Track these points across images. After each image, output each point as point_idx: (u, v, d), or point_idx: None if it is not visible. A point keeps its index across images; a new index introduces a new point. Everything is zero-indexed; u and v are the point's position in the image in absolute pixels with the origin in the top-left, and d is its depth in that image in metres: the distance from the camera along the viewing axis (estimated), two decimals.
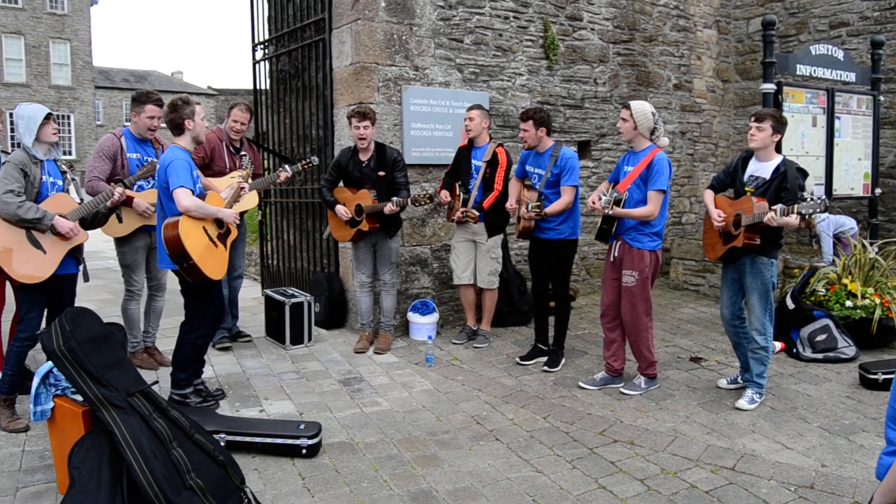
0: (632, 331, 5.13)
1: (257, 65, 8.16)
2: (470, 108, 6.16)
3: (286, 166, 6.16)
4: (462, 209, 6.09)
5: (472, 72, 7.20)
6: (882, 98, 8.24)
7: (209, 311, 4.73)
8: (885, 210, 8.72)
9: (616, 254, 5.15)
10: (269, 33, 7.98)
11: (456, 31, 7.03)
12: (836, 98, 7.74)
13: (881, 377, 5.17)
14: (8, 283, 4.89)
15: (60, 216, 4.42)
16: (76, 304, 4.61)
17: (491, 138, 6.30)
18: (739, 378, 5.22)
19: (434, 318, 6.60)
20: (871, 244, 6.80)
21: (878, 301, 6.18)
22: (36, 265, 4.34)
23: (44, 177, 4.45)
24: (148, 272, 5.61)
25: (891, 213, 8.80)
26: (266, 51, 8.08)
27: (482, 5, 7.21)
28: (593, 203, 5.04)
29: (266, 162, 8.04)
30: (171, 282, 5.06)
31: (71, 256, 4.57)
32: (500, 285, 6.53)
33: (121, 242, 5.45)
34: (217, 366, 5.74)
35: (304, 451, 4.03)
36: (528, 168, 5.84)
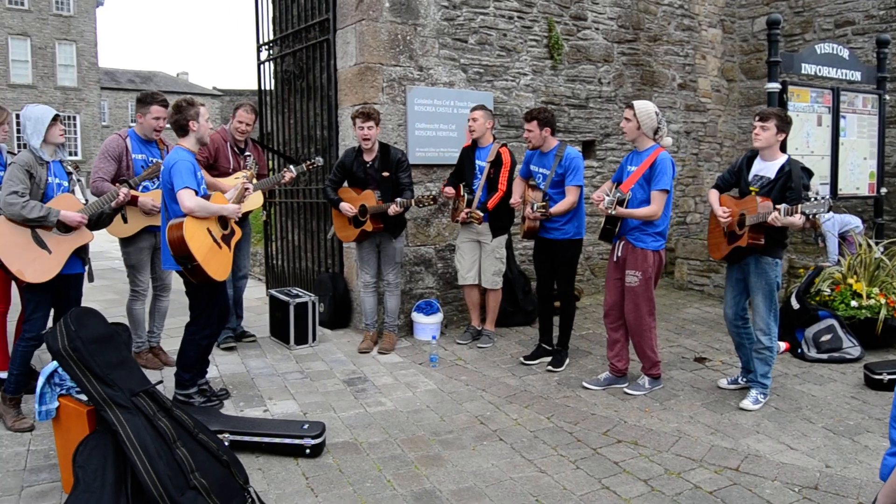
0: (635, 331, 5.12)
1: (262, 65, 8.18)
2: (473, 109, 6.16)
3: (291, 167, 6.16)
4: (466, 210, 6.08)
5: (476, 72, 7.20)
6: (888, 97, 8.20)
7: (214, 312, 4.75)
8: (890, 209, 8.69)
9: (619, 254, 5.14)
10: (274, 34, 8.00)
11: (460, 32, 7.03)
12: (842, 97, 7.71)
13: (886, 377, 5.16)
14: (13, 283, 4.91)
15: None
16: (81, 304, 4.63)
17: (495, 138, 6.29)
18: (740, 379, 5.21)
19: (438, 318, 6.61)
20: (877, 244, 6.78)
21: (883, 301, 6.16)
22: (41, 265, 4.35)
23: (49, 178, 4.46)
24: (153, 272, 5.62)
25: None
26: (271, 51, 8.10)
27: (486, 5, 7.21)
28: (597, 203, 5.04)
29: (271, 162, 8.05)
30: (176, 282, 5.08)
31: (76, 256, 4.58)
32: (504, 285, 6.53)
33: (126, 243, 5.47)
34: (221, 365, 5.75)
35: (307, 450, 4.04)
36: (533, 168, 5.84)
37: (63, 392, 3.59)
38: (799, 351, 6.00)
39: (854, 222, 7.62)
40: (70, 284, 4.64)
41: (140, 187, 5.29)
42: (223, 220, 4.67)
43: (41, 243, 4.36)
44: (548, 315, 5.95)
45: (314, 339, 6.43)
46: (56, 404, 3.59)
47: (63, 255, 4.45)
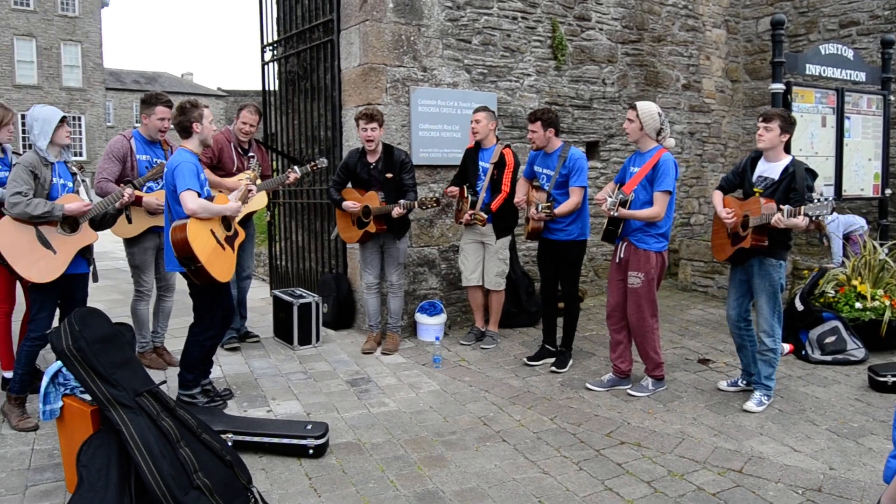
0: (638, 332, 5.12)
1: (266, 66, 8.19)
2: (476, 111, 6.15)
3: (295, 167, 6.18)
4: (470, 212, 6.08)
5: (480, 72, 7.20)
6: (892, 98, 8.18)
7: (218, 314, 4.75)
8: (895, 210, 8.66)
9: (622, 255, 5.14)
10: (278, 35, 8.01)
11: (464, 32, 7.04)
12: (846, 98, 7.70)
13: (890, 380, 5.14)
14: (18, 283, 4.92)
15: (69, 218, 4.45)
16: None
17: (498, 140, 6.29)
18: (740, 381, 5.20)
19: (442, 318, 6.61)
20: (881, 245, 6.76)
21: (887, 303, 6.15)
22: (46, 265, 4.36)
23: (54, 178, 4.48)
24: (157, 272, 5.63)
25: None
26: (275, 52, 8.11)
27: (490, 6, 7.21)
28: (600, 205, 5.03)
29: (275, 163, 8.07)
30: (180, 282, 5.09)
31: (81, 256, 4.59)
32: (508, 286, 6.53)
33: (130, 243, 5.49)
34: (225, 366, 5.76)
35: (311, 451, 4.05)
36: (537, 169, 5.83)
37: (67, 392, 3.61)
38: (803, 353, 5.98)
39: (858, 223, 7.61)
40: (75, 284, 4.66)
41: (144, 188, 5.30)
42: (226, 222, 4.67)
43: (46, 243, 4.38)
44: (551, 316, 5.95)
45: (318, 339, 6.44)
46: (60, 404, 3.60)
47: (68, 255, 4.47)
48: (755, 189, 4.80)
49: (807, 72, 7.48)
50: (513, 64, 7.47)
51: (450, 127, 6.92)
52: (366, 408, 4.90)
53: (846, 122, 7.73)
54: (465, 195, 6.17)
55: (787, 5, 9.69)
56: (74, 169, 4.72)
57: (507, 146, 6.20)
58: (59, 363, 3.53)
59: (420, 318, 6.63)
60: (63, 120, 4.50)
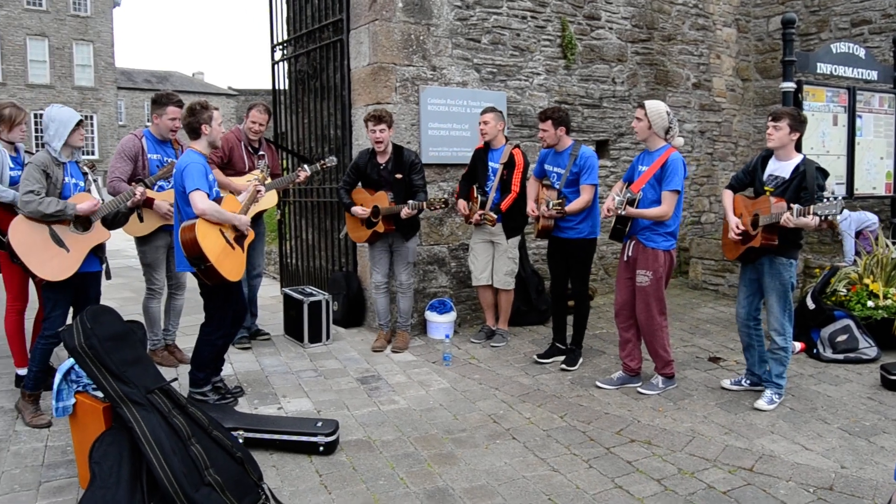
0: (647, 331, 5.11)
1: (276, 65, 8.22)
2: (484, 112, 6.13)
3: (305, 166, 6.20)
4: (480, 212, 6.08)
5: (489, 71, 7.20)
6: None
7: (229, 313, 4.77)
8: None
9: (630, 253, 5.14)
10: (288, 34, 8.03)
11: (473, 31, 7.04)
12: (858, 96, 7.67)
13: None
14: (31, 281, 4.96)
15: (80, 218, 4.48)
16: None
17: (507, 140, 6.28)
18: (744, 381, 5.19)
19: (451, 316, 6.62)
20: (894, 244, 6.72)
21: None
22: (59, 263, 4.40)
23: (66, 178, 4.51)
24: (168, 271, 5.67)
25: None
26: (285, 51, 8.14)
27: (500, 5, 7.21)
28: (608, 211, 5.02)
29: (285, 162, 8.10)
30: (191, 280, 5.11)
31: (94, 255, 4.63)
32: (517, 284, 6.53)
33: (142, 241, 5.52)
34: (236, 363, 5.79)
35: (321, 448, 4.06)
36: (547, 167, 5.83)
37: (80, 389, 3.64)
38: (814, 351, 5.96)
39: (870, 219, 7.57)
40: (88, 282, 4.69)
41: (155, 187, 5.34)
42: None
43: (59, 242, 4.41)
44: (561, 314, 5.95)
45: (328, 337, 6.46)
46: (73, 401, 3.63)
47: (81, 254, 4.50)
48: (766, 188, 4.78)
49: (818, 70, 7.45)
50: (522, 63, 7.47)
51: (459, 126, 6.93)
52: (376, 405, 4.92)
53: (858, 121, 7.69)
54: (475, 195, 6.17)
55: (798, 4, 9.65)
56: (86, 168, 4.75)
57: (517, 146, 6.19)
58: (72, 360, 3.56)
59: (430, 316, 6.64)
60: (80, 123, 4.53)
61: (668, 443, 4.27)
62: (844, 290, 6.39)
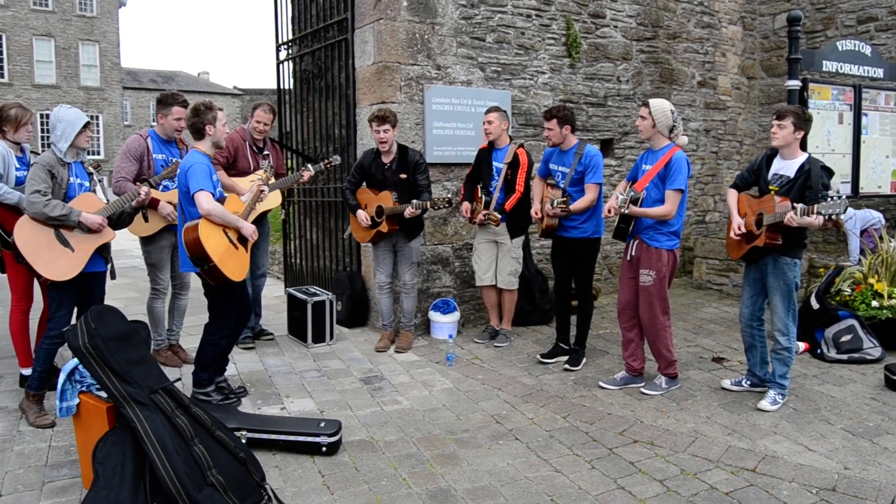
0: (650, 330, 5.11)
1: (281, 65, 8.23)
2: (488, 112, 6.12)
3: (309, 165, 6.20)
4: (484, 212, 6.07)
5: (494, 70, 7.20)
6: None
7: (232, 313, 4.78)
8: None
9: (633, 253, 5.13)
10: (293, 33, 8.05)
11: (478, 30, 7.03)
12: (864, 94, 7.63)
13: None
14: (36, 281, 4.98)
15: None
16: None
17: (511, 139, 6.28)
18: (744, 381, 5.17)
19: (455, 317, 6.62)
20: None
21: None
22: (65, 263, 4.41)
23: (71, 178, 4.52)
24: (173, 271, 5.68)
25: None
26: (290, 51, 8.15)
27: (504, 4, 7.20)
28: (610, 211, 5.01)
29: (289, 161, 8.11)
30: (195, 280, 5.12)
31: (99, 254, 4.64)
32: (521, 284, 6.52)
33: (146, 241, 5.54)
34: (240, 363, 5.80)
35: (324, 448, 4.07)
36: (552, 166, 5.82)
37: (83, 389, 3.65)
38: (818, 351, 5.94)
39: (875, 217, 7.54)
40: (93, 282, 4.70)
41: (160, 186, 5.35)
42: None
43: (64, 242, 4.42)
44: (565, 314, 5.95)
45: (331, 337, 6.47)
46: (77, 401, 3.64)
47: (86, 254, 4.51)
48: (771, 187, 4.77)
49: (823, 68, 7.41)
50: (527, 62, 7.46)
51: (464, 125, 6.93)
52: (379, 406, 4.92)
53: (863, 119, 7.66)
54: (479, 195, 6.17)
55: (804, 1, 9.61)
56: (91, 168, 4.77)
57: (521, 146, 6.18)
58: (76, 360, 3.57)
59: (433, 316, 6.64)
60: (87, 125, 4.55)
61: (670, 443, 4.26)
62: (849, 290, 6.37)
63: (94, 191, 4.73)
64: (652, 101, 5.03)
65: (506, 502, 3.57)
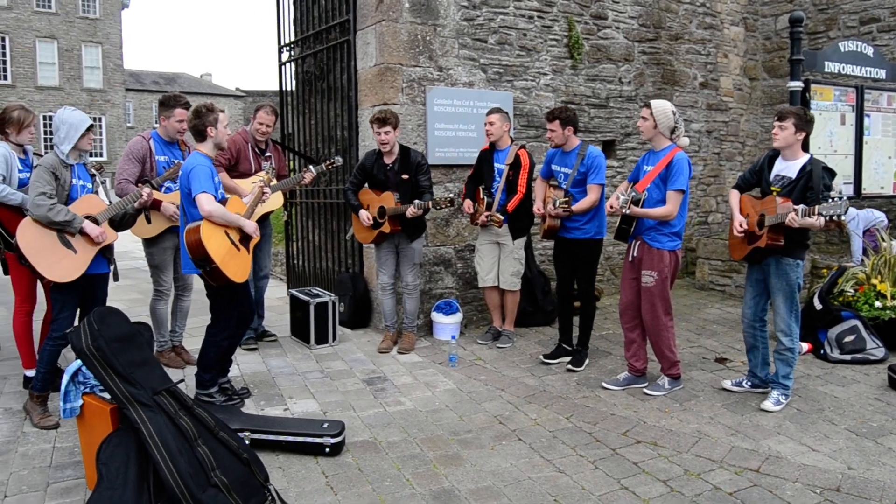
0: (652, 331, 5.11)
1: (283, 66, 8.24)
2: (489, 113, 6.12)
3: (311, 167, 6.21)
4: (487, 213, 6.07)
5: (496, 72, 7.20)
6: None
7: (234, 315, 4.78)
8: None
9: (635, 254, 5.13)
10: (295, 35, 8.05)
11: (480, 32, 7.04)
12: (866, 95, 7.63)
13: None
14: (39, 283, 4.99)
15: (89, 217, 4.49)
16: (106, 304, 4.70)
17: (513, 140, 6.28)
18: (745, 382, 5.17)
19: (458, 317, 6.62)
20: None
21: None
22: (67, 265, 4.42)
23: (74, 180, 4.53)
24: (175, 272, 5.69)
25: None
26: (292, 53, 8.16)
27: (506, 5, 7.21)
28: (611, 207, 5.03)
29: (291, 163, 8.11)
30: (198, 281, 5.13)
31: (102, 256, 4.65)
32: (524, 285, 6.53)
33: (149, 243, 5.55)
34: (243, 364, 5.81)
35: (327, 449, 4.07)
36: (555, 167, 5.83)
37: (87, 390, 3.65)
38: (822, 352, 5.94)
39: (878, 217, 7.53)
40: (96, 284, 4.71)
41: (162, 188, 5.36)
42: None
43: (67, 244, 4.43)
44: (568, 315, 5.94)
45: (334, 338, 6.47)
46: (80, 402, 3.65)
47: (88, 255, 4.52)
48: (772, 188, 4.77)
49: (826, 69, 7.41)
50: (529, 63, 7.47)
51: (466, 126, 6.93)
52: (382, 406, 4.93)
53: (866, 120, 7.65)
54: (481, 196, 6.17)
55: (807, 2, 9.61)
56: (93, 170, 4.78)
57: (522, 147, 6.19)
58: (79, 362, 3.58)
59: (436, 317, 6.64)
60: (90, 128, 4.56)
61: (674, 444, 4.26)
62: (852, 291, 6.36)
63: (97, 192, 4.74)
64: (653, 102, 5.03)
65: (509, 503, 3.58)
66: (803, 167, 4.65)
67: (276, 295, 8.51)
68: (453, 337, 6.22)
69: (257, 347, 6.29)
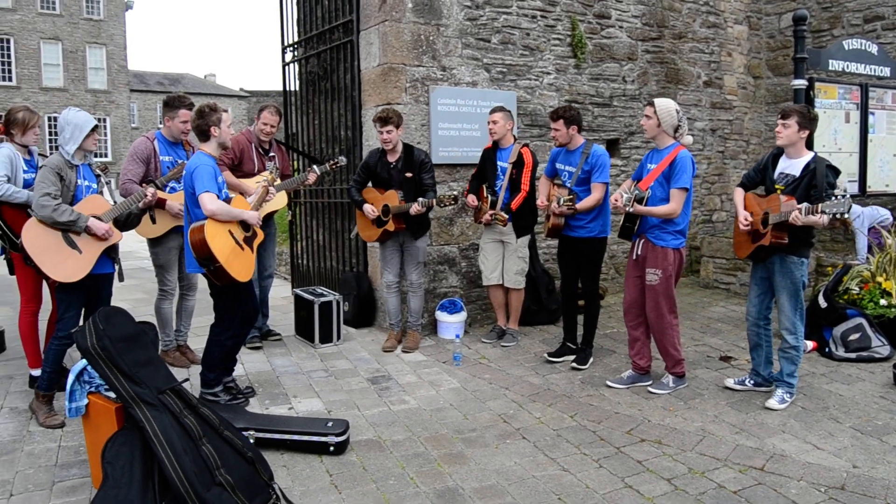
0: (657, 329, 5.10)
1: (287, 67, 8.25)
2: (493, 111, 6.12)
3: (315, 167, 6.22)
4: (491, 212, 6.07)
5: (499, 71, 7.20)
6: None
7: (238, 314, 4.80)
8: None
9: (639, 252, 5.12)
10: (299, 35, 8.06)
11: (483, 31, 7.04)
12: (870, 93, 7.61)
13: None
14: (44, 283, 5.01)
15: (94, 217, 4.51)
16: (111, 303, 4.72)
17: (516, 139, 6.28)
18: (747, 380, 5.16)
19: (462, 316, 6.62)
20: None
21: None
22: (72, 265, 4.44)
23: (79, 180, 4.55)
24: (180, 272, 5.70)
25: None
26: (295, 53, 8.17)
27: (509, 5, 7.21)
28: (615, 201, 5.03)
29: (295, 163, 8.13)
30: (203, 281, 5.14)
31: (107, 256, 4.66)
32: (528, 284, 6.52)
33: (154, 243, 5.56)
34: (247, 364, 5.82)
35: (331, 448, 4.08)
36: (559, 166, 5.83)
37: (92, 389, 3.67)
38: (826, 350, 5.93)
39: (883, 215, 7.51)
40: (101, 284, 4.73)
41: (167, 188, 5.38)
42: (244, 223, 4.72)
43: (72, 244, 4.45)
44: (572, 313, 5.95)
45: (339, 337, 6.48)
46: (85, 401, 3.66)
47: (93, 256, 4.53)
48: (777, 186, 4.77)
49: (830, 67, 7.39)
50: (532, 62, 7.46)
51: (469, 126, 6.93)
52: (386, 405, 4.93)
53: (870, 118, 7.64)
54: (485, 195, 6.18)
55: (811, 0, 9.59)
56: (98, 171, 4.80)
57: (525, 145, 6.19)
58: (85, 361, 3.59)
59: (440, 316, 6.65)
60: (95, 128, 4.57)
61: (678, 442, 4.26)
62: (857, 289, 6.35)
63: (102, 193, 4.76)
64: (657, 101, 5.03)
65: (513, 501, 3.58)
66: (807, 165, 4.65)
67: (281, 294, 8.52)
68: (457, 336, 6.22)
69: (262, 346, 6.31)
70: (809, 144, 4.88)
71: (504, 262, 6.29)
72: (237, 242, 4.56)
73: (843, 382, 5.30)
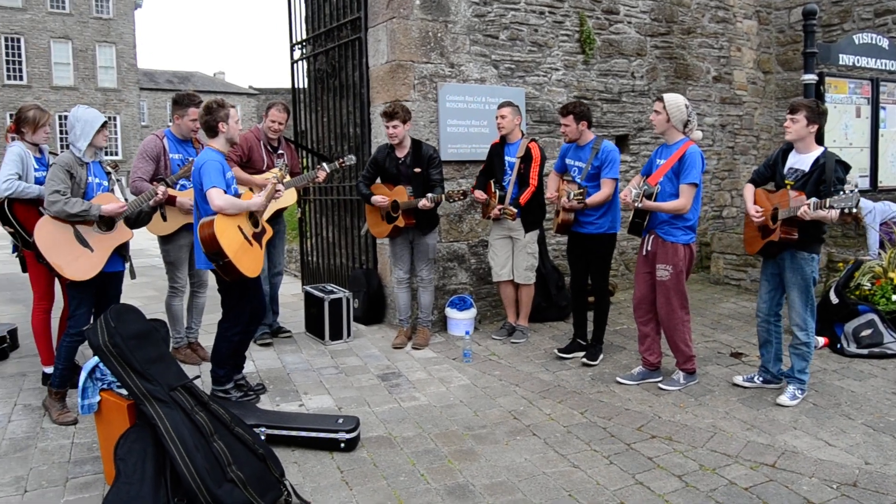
0: (667, 325, 5.09)
1: (295, 64, 8.27)
2: (500, 106, 6.12)
3: (323, 164, 6.23)
4: (500, 206, 6.07)
5: (507, 68, 7.19)
6: None
7: (245, 310, 4.81)
8: None
9: (649, 248, 5.11)
10: (307, 33, 8.08)
11: (491, 28, 7.03)
12: (882, 87, 7.57)
13: None
14: (56, 281, 5.04)
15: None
16: (122, 301, 4.74)
17: (523, 134, 6.27)
18: (756, 377, 5.13)
19: (472, 313, 6.62)
20: None
21: None
22: (84, 263, 4.46)
23: (89, 178, 4.57)
24: (191, 269, 5.73)
25: None
26: (304, 50, 8.18)
27: (517, 1, 7.20)
28: (625, 196, 5.02)
29: (304, 161, 8.14)
30: (214, 278, 5.16)
31: (117, 254, 4.69)
32: (537, 280, 6.52)
33: (165, 240, 5.59)
34: (258, 361, 5.84)
35: (342, 444, 4.09)
36: (569, 161, 5.82)
37: (104, 386, 3.69)
38: (838, 346, 5.90)
39: (895, 209, 7.47)
40: (112, 282, 4.76)
41: (177, 185, 5.40)
42: (253, 218, 4.73)
43: (83, 242, 4.47)
44: (582, 310, 5.94)
45: (349, 334, 6.49)
46: (98, 398, 3.68)
47: (105, 253, 4.56)
48: (786, 181, 4.74)
49: (840, 62, 7.34)
50: (540, 59, 7.45)
51: (478, 122, 6.93)
52: (396, 402, 4.94)
53: (881, 112, 7.59)
54: (493, 190, 6.17)
55: None
56: (109, 168, 4.82)
57: (533, 140, 6.18)
58: (97, 359, 3.61)
59: (450, 312, 6.65)
60: (104, 124, 4.60)
61: (689, 439, 4.25)
62: (868, 285, 6.31)
63: (112, 190, 4.78)
64: (666, 96, 5.02)
65: (524, 497, 3.58)
66: (816, 160, 4.62)
67: (291, 291, 8.54)
68: (467, 332, 6.23)
69: (272, 343, 6.33)
70: (820, 140, 4.85)
71: (514, 257, 6.29)
72: (246, 238, 4.58)
73: (854, 379, 5.28)
